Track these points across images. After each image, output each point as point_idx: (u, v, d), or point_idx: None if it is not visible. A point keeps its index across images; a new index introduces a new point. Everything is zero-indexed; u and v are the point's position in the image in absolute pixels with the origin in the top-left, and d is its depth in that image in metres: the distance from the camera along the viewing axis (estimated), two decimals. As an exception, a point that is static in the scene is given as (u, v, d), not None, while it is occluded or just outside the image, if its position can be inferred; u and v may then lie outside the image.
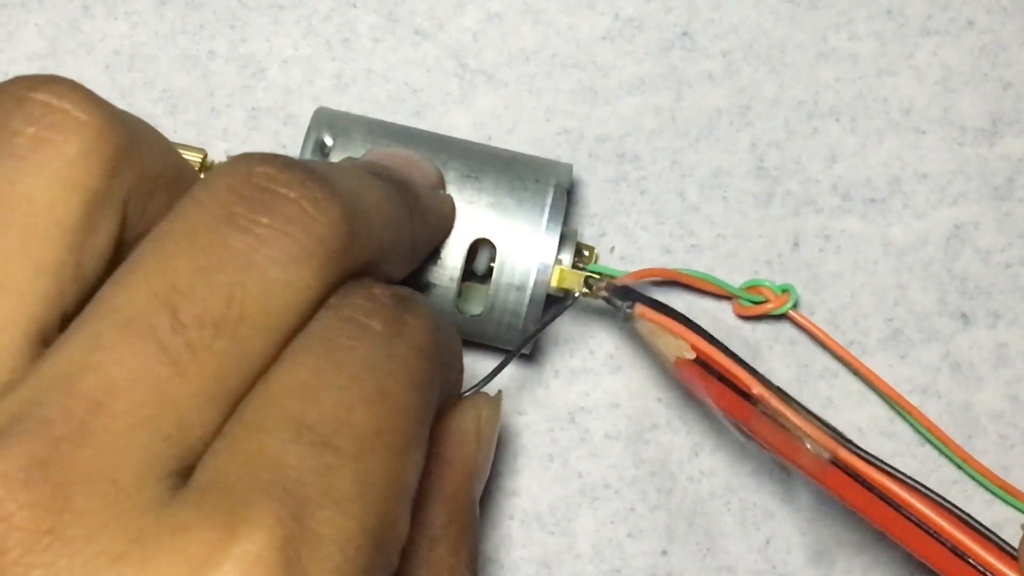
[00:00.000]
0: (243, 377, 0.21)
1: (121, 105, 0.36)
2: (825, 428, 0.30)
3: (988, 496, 0.33)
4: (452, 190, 0.31)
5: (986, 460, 0.33)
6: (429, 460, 0.24)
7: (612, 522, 0.33)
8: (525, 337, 0.31)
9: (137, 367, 0.19)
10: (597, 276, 0.32)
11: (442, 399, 0.25)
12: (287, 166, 0.22)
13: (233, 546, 0.18)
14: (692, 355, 0.30)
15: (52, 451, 0.19)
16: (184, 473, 0.20)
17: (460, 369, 0.27)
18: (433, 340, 0.23)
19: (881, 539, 0.33)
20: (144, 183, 0.22)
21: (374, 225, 0.24)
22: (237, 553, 0.18)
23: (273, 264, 0.21)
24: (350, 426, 0.21)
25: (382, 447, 0.21)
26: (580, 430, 0.34)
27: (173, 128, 0.35)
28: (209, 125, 0.35)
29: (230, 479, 0.19)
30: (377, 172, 0.27)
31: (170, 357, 0.20)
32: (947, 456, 0.33)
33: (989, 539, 0.28)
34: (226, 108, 0.35)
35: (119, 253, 0.22)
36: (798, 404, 0.30)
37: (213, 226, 0.21)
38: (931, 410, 0.33)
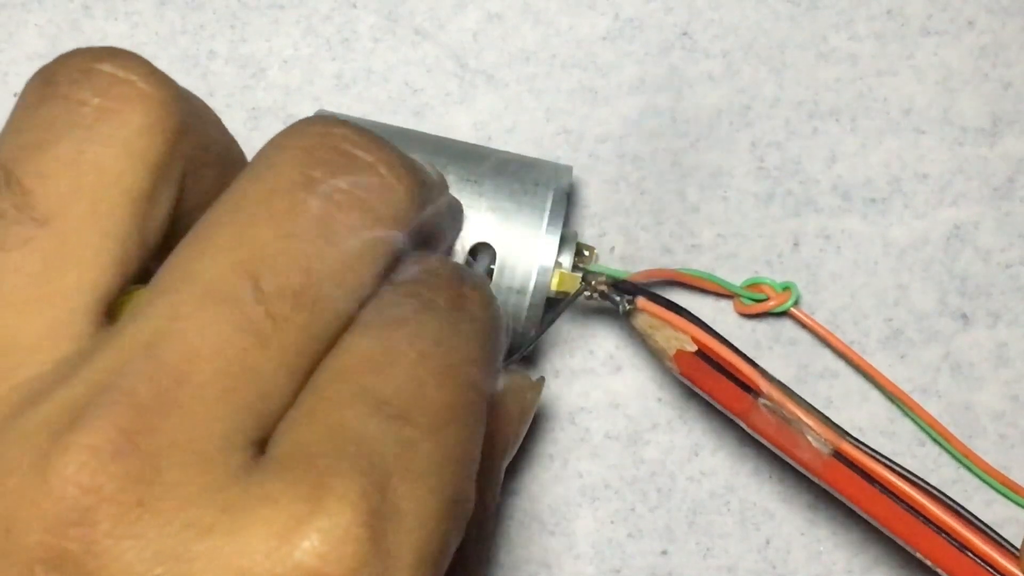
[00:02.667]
0: (319, 348, 0.21)
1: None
2: (827, 421, 0.30)
3: (988, 496, 0.33)
4: (452, 193, 0.31)
5: (986, 460, 0.33)
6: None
7: (612, 522, 0.33)
8: (530, 338, 0.31)
9: (220, 336, 0.19)
10: (597, 273, 0.32)
11: (501, 356, 0.25)
12: (362, 130, 0.22)
13: (320, 518, 0.18)
14: (693, 348, 0.30)
15: (139, 421, 0.18)
16: (261, 443, 0.20)
17: (507, 340, 0.27)
18: (492, 313, 0.23)
19: (881, 539, 0.33)
20: (200, 156, 0.22)
21: (437, 198, 0.24)
22: (325, 525, 0.18)
23: (351, 233, 0.21)
24: (424, 401, 0.20)
25: (454, 422, 0.21)
26: (580, 430, 0.34)
27: (173, 128, 0.35)
28: (209, 125, 0.35)
29: (313, 450, 0.19)
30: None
31: (253, 327, 0.19)
32: (949, 452, 0.33)
33: (990, 536, 0.28)
34: (226, 108, 0.35)
35: (174, 225, 0.22)
36: (799, 397, 0.30)
37: (290, 190, 0.21)
38: (931, 410, 0.33)
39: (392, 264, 0.22)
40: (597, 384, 0.34)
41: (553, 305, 0.32)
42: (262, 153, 0.22)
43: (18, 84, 0.35)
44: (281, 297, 0.20)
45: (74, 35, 0.35)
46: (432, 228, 0.25)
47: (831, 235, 0.34)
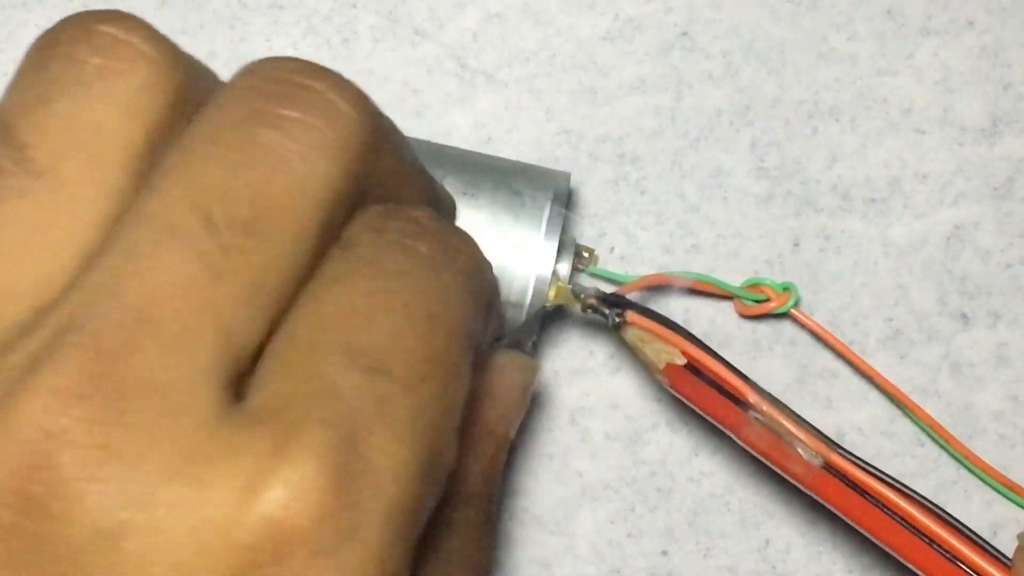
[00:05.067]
0: (281, 280, 0.20)
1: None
2: (817, 433, 0.30)
3: (988, 496, 0.33)
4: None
5: (986, 460, 0.33)
6: (477, 406, 0.24)
7: (612, 522, 0.33)
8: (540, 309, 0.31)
9: (176, 274, 0.19)
10: (586, 287, 0.32)
11: (489, 339, 0.25)
12: (310, 62, 0.22)
13: (285, 469, 0.18)
14: (683, 361, 0.30)
15: (103, 364, 0.18)
16: (234, 385, 0.20)
17: (502, 315, 0.27)
18: (480, 267, 0.23)
19: (881, 539, 0.33)
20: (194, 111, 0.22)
21: (397, 134, 0.23)
22: (290, 477, 0.18)
23: (300, 159, 0.20)
24: (403, 352, 0.20)
25: (433, 374, 0.21)
26: (580, 430, 0.34)
27: (173, 128, 0.35)
28: (209, 125, 0.35)
29: (284, 402, 0.19)
30: None
31: (206, 262, 0.19)
32: (948, 452, 0.33)
33: (983, 547, 0.28)
34: (226, 108, 0.35)
35: None
36: (789, 409, 0.30)
37: (239, 124, 0.21)
38: (931, 410, 0.33)
39: (358, 192, 0.22)
40: (597, 384, 0.34)
41: (549, 315, 0.32)
42: (213, 96, 0.22)
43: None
44: (231, 228, 0.20)
45: (74, 35, 0.35)
46: (412, 172, 0.24)
47: (831, 235, 0.34)
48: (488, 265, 0.24)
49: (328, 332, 0.20)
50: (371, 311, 0.21)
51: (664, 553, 0.33)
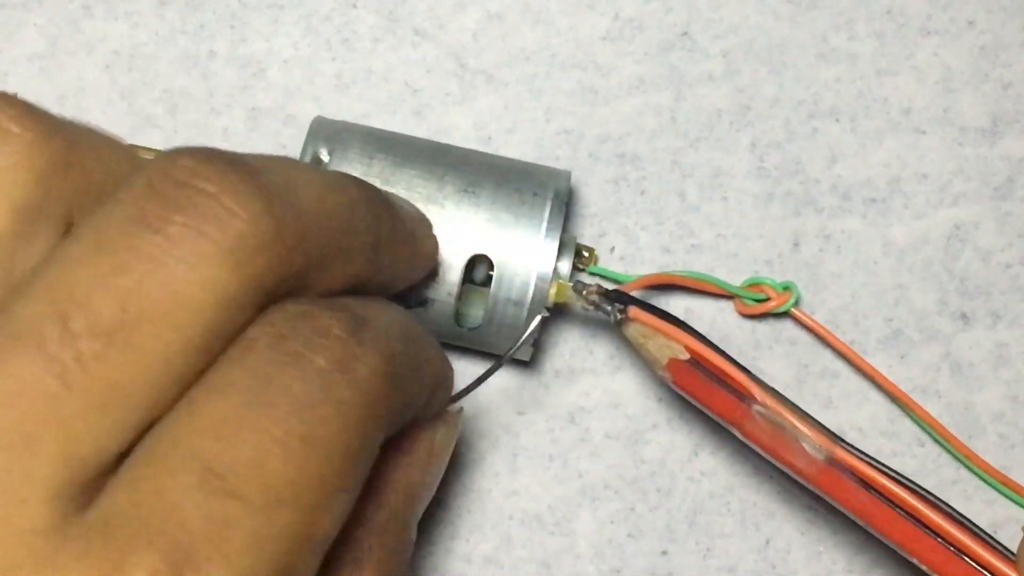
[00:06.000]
0: (149, 388, 0.20)
1: (121, 105, 0.36)
2: (821, 427, 0.29)
3: (988, 496, 0.33)
4: (450, 205, 0.31)
5: (986, 460, 0.33)
6: (372, 480, 0.23)
7: (612, 522, 0.33)
8: (510, 351, 0.30)
9: (22, 381, 0.19)
10: (588, 284, 0.32)
11: (399, 426, 0.24)
12: (210, 158, 0.21)
13: None
14: (686, 356, 0.30)
15: None
16: (81, 493, 0.19)
17: (434, 387, 0.26)
18: (388, 381, 0.22)
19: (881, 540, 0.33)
20: (92, 190, 0.22)
21: (314, 224, 0.22)
22: None
23: (181, 264, 0.20)
24: (262, 474, 0.19)
25: (293, 499, 0.20)
26: (580, 430, 0.34)
27: (173, 128, 0.35)
28: (209, 125, 0.35)
29: (123, 518, 0.19)
30: (344, 178, 0.25)
31: (56, 370, 0.19)
32: (949, 452, 0.33)
33: (987, 541, 0.28)
34: (226, 108, 0.35)
35: None
36: (793, 404, 0.30)
37: (123, 227, 0.20)
38: (931, 410, 0.33)
39: (256, 296, 0.21)
40: (597, 384, 0.34)
41: (553, 313, 0.32)
42: (114, 191, 0.21)
43: (18, 84, 0.35)
44: (91, 336, 0.19)
45: (74, 35, 0.35)
46: (336, 252, 0.23)
47: (831, 235, 0.34)
48: (421, 352, 0.23)
49: (185, 447, 0.20)
50: (240, 427, 0.20)
51: (664, 553, 0.33)
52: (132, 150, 0.23)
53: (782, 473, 0.34)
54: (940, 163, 0.35)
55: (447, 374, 0.27)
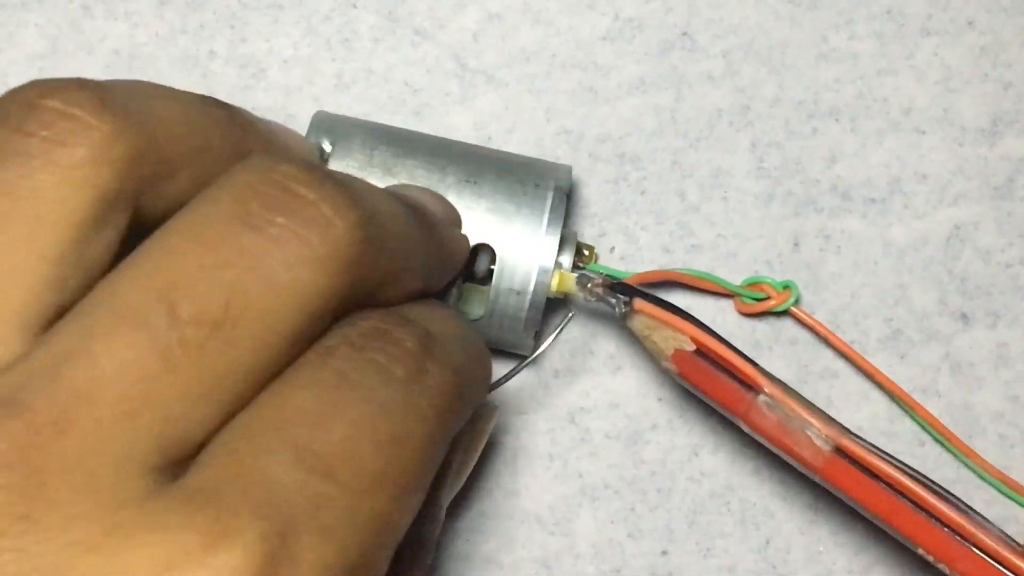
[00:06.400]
0: (242, 379, 0.21)
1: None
2: (828, 418, 0.29)
3: (988, 496, 0.33)
4: (451, 195, 0.31)
5: (986, 460, 0.33)
6: None
7: (612, 522, 0.33)
8: (539, 348, 0.31)
9: (127, 360, 0.20)
10: (593, 275, 0.32)
11: (457, 428, 0.25)
12: (309, 167, 0.22)
13: (211, 555, 0.19)
14: (691, 347, 0.30)
15: (32, 437, 0.19)
16: (173, 471, 0.20)
17: (485, 391, 0.27)
18: (455, 392, 0.23)
19: (881, 539, 0.33)
20: (162, 170, 0.22)
21: (390, 239, 0.24)
22: (215, 562, 0.19)
23: (282, 266, 0.21)
24: (355, 461, 0.21)
25: (381, 489, 0.21)
26: (580, 430, 0.34)
27: (173, 128, 0.35)
28: (209, 125, 0.35)
29: (221, 487, 0.19)
30: (393, 193, 0.26)
31: (162, 353, 0.20)
32: (949, 451, 0.33)
33: (992, 530, 0.28)
34: (226, 108, 0.35)
35: (134, 240, 0.22)
36: (799, 394, 0.30)
37: (224, 223, 0.21)
38: (931, 410, 0.33)
39: (340, 301, 0.22)
40: (597, 384, 0.34)
41: (553, 305, 0.32)
42: (209, 187, 0.22)
43: (18, 84, 0.35)
44: (197, 324, 0.20)
45: (74, 35, 0.35)
46: (402, 264, 0.24)
47: (831, 235, 0.34)
48: (476, 355, 0.24)
49: (280, 430, 0.20)
50: (330, 417, 0.21)
51: (664, 553, 0.33)
52: (199, 115, 0.24)
53: (782, 473, 0.34)
54: (940, 163, 0.35)
55: (491, 373, 0.28)
